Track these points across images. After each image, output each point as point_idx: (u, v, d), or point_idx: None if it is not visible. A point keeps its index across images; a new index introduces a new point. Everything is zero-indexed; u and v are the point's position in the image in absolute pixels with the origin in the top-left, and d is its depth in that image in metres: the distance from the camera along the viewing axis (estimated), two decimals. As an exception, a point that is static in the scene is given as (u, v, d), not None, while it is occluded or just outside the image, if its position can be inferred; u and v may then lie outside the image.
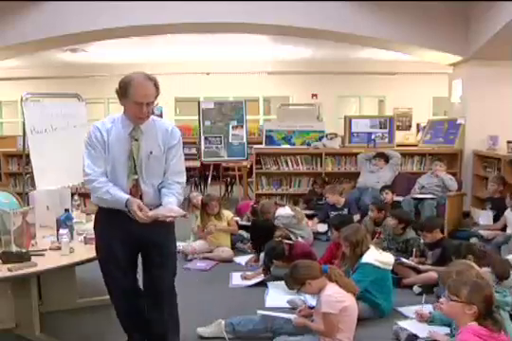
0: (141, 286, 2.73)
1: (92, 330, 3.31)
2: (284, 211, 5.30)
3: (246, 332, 3.15)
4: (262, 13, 6.09)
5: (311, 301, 3.40)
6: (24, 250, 2.90)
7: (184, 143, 2.81)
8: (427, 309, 3.32)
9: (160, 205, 2.50)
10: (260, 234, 4.81)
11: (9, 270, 2.64)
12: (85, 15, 6.06)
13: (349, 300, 2.96)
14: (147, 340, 2.74)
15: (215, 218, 5.04)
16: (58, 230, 3.18)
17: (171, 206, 2.45)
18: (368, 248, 3.54)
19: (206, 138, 7.65)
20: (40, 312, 3.19)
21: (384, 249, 4.14)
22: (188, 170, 3.12)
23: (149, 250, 2.59)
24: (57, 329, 3.30)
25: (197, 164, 7.97)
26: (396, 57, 8.78)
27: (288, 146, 7.31)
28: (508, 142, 6.14)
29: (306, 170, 7.05)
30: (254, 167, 7.06)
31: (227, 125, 7.70)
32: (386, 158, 6.43)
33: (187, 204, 5.36)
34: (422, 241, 4.43)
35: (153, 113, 2.59)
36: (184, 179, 2.67)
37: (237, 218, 5.68)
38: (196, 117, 7.86)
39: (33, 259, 2.81)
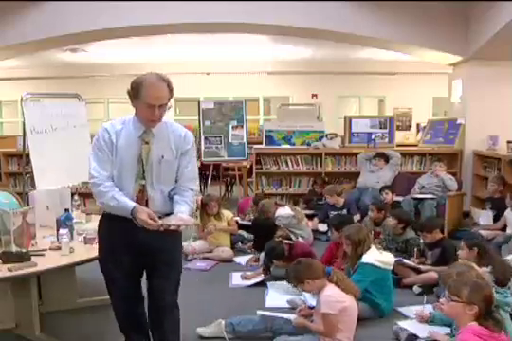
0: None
1: (92, 330, 3.32)
2: (284, 211, 5.29)
3: (245, 333, 3.15)
4: (262, 13, 6.09)
5: (311, 301, 3.40)
6: (24, 250, 2.90)
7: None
8: (427, 309, 3.32)
9: (170, 213, 2.42)
10: (261, 233, 4.82)
11: (9, 270, 2.63)
12: (85, 15, 6.06)
13: (348, 301, 2.97)
14: None
15: (215, 218, 5.04)
16: (58, 230, 3.18)
17: (181, 214, 2.37)
18: (369, 248, 3.55)
19: (206, 138, 7.65)
20: (40, 312, 3.19)
21: (384, 249, 4.14)
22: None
23: (153, 257, 2.49)
24: (57, 329, 3.30)
25: (197, 164, 7.95)
26: (396, 57, 8.78)
27: (288, 146, 7.31)
28: (508, 142, 6.14)
29: (306, 170, 7.05)
30: (254, 167, 7.06)
31: (227, 125, 7.70)
32: (386, 158, 6.43)
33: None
34: (422, 241, 4.43)
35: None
36: (197, 186, 2.59)
37: (237, 218, 5.69)
38: (196, 117, 7.86)
39: (33, 259, 2.81)
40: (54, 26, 6.12)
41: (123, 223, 2.35)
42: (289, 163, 7.06)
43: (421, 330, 3.12)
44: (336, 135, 7.24)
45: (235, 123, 7.71)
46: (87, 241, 3.18)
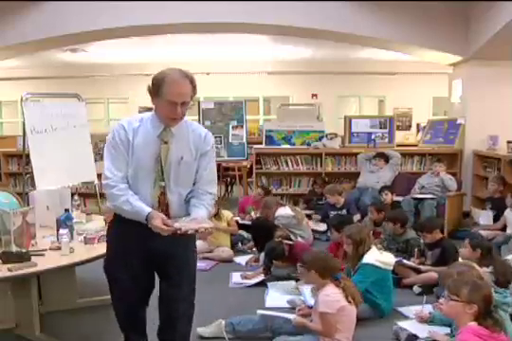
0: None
1: (92, 330, 3.31)
2: (285, 211, 5.29)
3: (245, 332, 3.15)
4: (262, 13, 6.09)
5: (310, 301, 3.40)
6: (24, 250, 2.90)
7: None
8: (427, 309, 3.32)
9: (185, 216, 2.29)
10: (260, 234, 4.82)
11: (9, 270, 2.63)
12: (85, 15, 6.06)
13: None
14: None
15: (215, 218, 5.04)
16: (58, 230, 3.18)
17: (199, 218, 2.23)
18: (369, 248, 3.55)
19: (206, 138, 7.63)
20: (40, 312, 3.19)
21: (384, 249, 4.14)
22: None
23: (165, 262, 2.39)
24: (57, 329, 3.30)
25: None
26: (396, 57, 8.78)
27: (288, 146, 7.31)
28: (508, 142, 6.14)
29: (306, 170, 7.05)
30: (254, 167, 7.06)
31: (227, 125, 7.69)
32: (386, 158, 6.43)
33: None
34: (422, 241, 4.43)
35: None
36: (215, 189, 2.45)
37: (237, 218, 5.69)
38: (196, 117, 7.85)
39: (33, 259, 2.81)
40: (54, 26, 6.12)
41: (136, 227, 2.24)
42: (289, 163, 7.06)
43: (421, 330, 3.12)
44: (336, 135, 7.24)
45: (235, 123, 7.71)
46: (87, 241, 3.19)
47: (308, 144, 7.25)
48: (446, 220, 5.59)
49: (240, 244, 5.29)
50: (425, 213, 5.64)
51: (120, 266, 2.41)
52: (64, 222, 3.24)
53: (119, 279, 2.44)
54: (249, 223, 5.49)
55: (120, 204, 2.24)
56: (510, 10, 5.20)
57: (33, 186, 4.09)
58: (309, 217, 5.98)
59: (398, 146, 7.53)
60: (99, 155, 6.27)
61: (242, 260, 4.91)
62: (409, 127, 11.94)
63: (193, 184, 2.40)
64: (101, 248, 3.00)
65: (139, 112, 9.08)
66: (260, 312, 3.26)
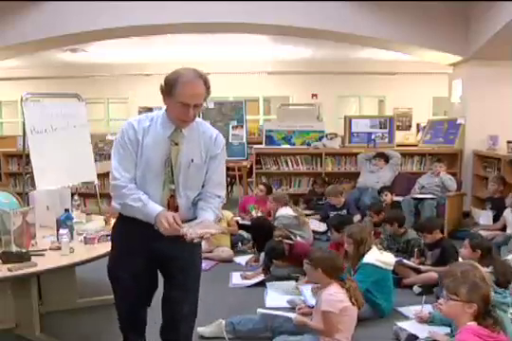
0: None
1: (92, 330, 3.31)
2: (286, 211, 5.29)
3: (246, 332, 3.15)
4: (262, 13, 6.09)
5: (311, 301, 3.40)
6: (24, 250, 2.90)
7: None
8: (426, 309, 3.32)
9: (192, 219, 2.22)
10: (260, 233, 4.82)
11: (9, 270, 2.63)
12: (85, 15, 6.06)
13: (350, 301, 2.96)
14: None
15: (215, 218, 5.03)
16: (58, 230, 3.18)
17: (206, 222, 2.16)
18: (370, 248, 3.55)
19: (206, 138, 7.63)
20: (40, 312, 3.19)
21: (385, 249, 4.14)
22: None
23: (169, 263, 2.35)
24: (57, 329, 3.29)
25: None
26: (396, 57, 8.78)
27: (288, 146, 7.31)
28: (508, 142, 6.14)
29: (306, 170, 7.05)
30: (254, 167, 7.06)
31: (227, 125, 7.68)
32: (386, 158, 6.43)
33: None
34: (423, 241, 4.43)
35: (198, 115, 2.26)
36: (224, 192, 2.40)
37: (237, 218, 5.69)
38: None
39: (33, 259, 2.81)
40: (54, 26, 6.12)
41: (140, 227, 2.20)
42: (289, 163, 7.06)
43: (421, 330, 3.11)
44: (336, 135, 7.24)
45: (235, 123, 7.70)
46: (87, 241, 3.19)
47: (308, 144, 7.25)
48: (446, 220, 5.59)
49: (240, 244, 5.30)
50: (425, 213, 5.64)
51: (123, 265, 2.39)
52: (64, 222, 3.24)
53: (121, 278, 2.41)
54: (249, 223, 5.48)
55: (131, 201, 2.18)
56: (510, 10, 5.20)
57: (33, 186, 4.09)
58: (309, 216, 5.97)
59: (398, 146, 7.53)
60: (99, 155, 6.28)
61: (242, 260, 4.91)
62: (409, 127, 11.94)
63: (202, 186, 2.36)
64: (101, 248, 3.01)
65: (139, 112, 9.07)
66: (260, 310, 3.26)
